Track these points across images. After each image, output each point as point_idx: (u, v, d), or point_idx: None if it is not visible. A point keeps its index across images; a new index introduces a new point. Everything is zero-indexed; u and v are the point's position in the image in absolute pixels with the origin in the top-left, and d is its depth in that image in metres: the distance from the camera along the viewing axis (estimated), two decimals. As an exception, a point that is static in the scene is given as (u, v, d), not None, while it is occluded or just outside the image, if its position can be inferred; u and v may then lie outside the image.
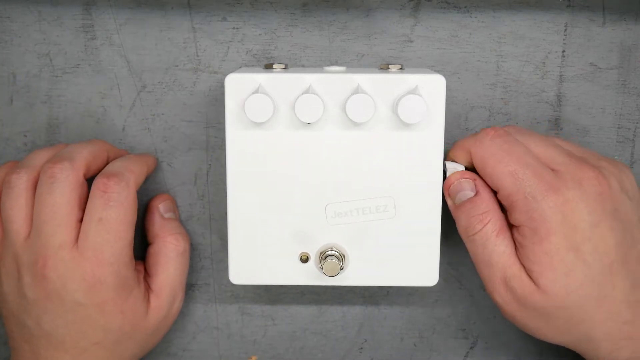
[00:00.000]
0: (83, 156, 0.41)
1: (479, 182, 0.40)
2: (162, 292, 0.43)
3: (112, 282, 0.40)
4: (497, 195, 0.39)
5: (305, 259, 0.40)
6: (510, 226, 0.40)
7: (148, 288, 0.43)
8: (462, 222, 0.40)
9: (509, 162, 0.38)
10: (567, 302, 0.38)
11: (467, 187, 0.40)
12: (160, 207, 0.45)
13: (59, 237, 0.39)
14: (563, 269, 0.37)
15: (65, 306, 0.39)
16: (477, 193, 0.40)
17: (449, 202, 0.41)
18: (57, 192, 0.39)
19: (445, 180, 0.41)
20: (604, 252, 0.38)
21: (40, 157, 0.42)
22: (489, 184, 0.39)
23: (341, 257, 0.40)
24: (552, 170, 0.39)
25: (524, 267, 0.38)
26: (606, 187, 0.38)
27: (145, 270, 0.44)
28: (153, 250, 0.44)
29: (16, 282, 0.40)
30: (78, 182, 0.40)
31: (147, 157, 0.45)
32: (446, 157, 0.42)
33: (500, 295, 0.39)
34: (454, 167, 0.41)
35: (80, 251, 0.39)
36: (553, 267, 0.37)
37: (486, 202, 0.39)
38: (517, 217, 0.38)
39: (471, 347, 0.48)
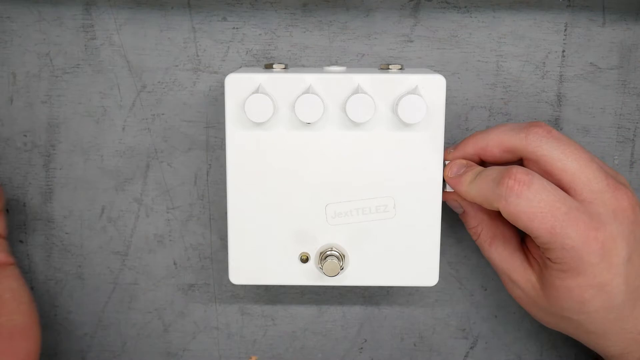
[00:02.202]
0: None
1: (462, 201, 0.41)
2: None
3: None
4: (533, 238, 0.37)
5: (305, 259, 0.40)
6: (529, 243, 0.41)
7: None
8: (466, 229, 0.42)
9: (542, 219, 0.36)
10: (579, 318, 0.38)
11: (455, 205, 0.41)
12: None
13: None
14: (580, 299, 0.37)
15: None
16: (464, 211, 0.41)
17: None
18: None
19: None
20: (632, 281, 0.37)
21: None
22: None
23: (341, 257, 0.40)
24: (584, 201, 0.37)
25: (538, 282, 0.39)
26: (638, 214, 0.37)
27: None
28: None
29: None
30: None
31: None
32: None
33: (512, 291, 0.41)
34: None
35: None
36: (571, 298, 0.37)
37: (473, 217, 0.41)
38: (550, 256, 0.37)
39: (471, 347, 0.48)
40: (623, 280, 0.37)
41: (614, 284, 0.37)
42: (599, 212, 0.37)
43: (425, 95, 0.38)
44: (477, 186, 0.38)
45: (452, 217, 0.46)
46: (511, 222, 0.37)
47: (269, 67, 0.40)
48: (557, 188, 0.37)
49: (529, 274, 0.40)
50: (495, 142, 0.39)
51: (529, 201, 0.36)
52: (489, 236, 0.41)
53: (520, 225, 0.37)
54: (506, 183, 0.36)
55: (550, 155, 0.37)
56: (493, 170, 0.38)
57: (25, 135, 0.46)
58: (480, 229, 0.41)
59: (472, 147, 0.40)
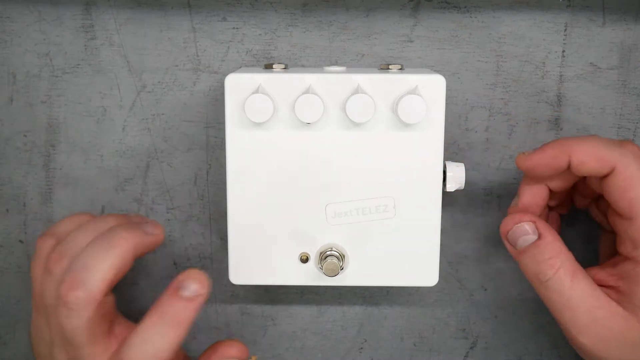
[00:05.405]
0: (100, 278, 0.37)
1: (540, 223, 0.37)
2: None
3: None
4: (626, 222, 0.36)
5: (305, 259, 0.40)
6: (612, 256, 0.38)
7: None
8: (529, 268, 0.37)
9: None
10: None
11: (529, 230, 0.38)
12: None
13: None
14: None
15: None
16: (540, 236, 0.37)
17: (508, 246, 0.39)
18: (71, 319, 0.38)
19: (502, 224, 0.38)
20: None
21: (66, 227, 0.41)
22: (621, 208, 0.36)
23: (341, 257, 0.40)
24: None
25: (620, 305, 0.36)
26: None
27: None
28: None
29: None
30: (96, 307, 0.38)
31: (133, 237, 0.39)
32: (551, 151, 0.38)
33: (590, 337, 0.37)
34: (454, 169, 0.40)
35: None
36: None
37: (552, 244, 0.37)
38: None
39: (471, 347, 0.48)
40: None
41: None
42: None
43: (425, 95, 0.38)
44: (595, 145, 0.37)
45: (452, 217, 0.46)
46: (614, 187, 0.36)
47: (269, 67, 0.40)
48: None
49: (614, 306, 0.36)
50: (589, 150, 0.37)
51: None
52: (570, 269, 0.36)
53: (630, 193, 0.36)
54: (628, 145, 0.37)
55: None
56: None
57: (25, 135, 0.46)
58: (560, 260, 0.36)
59: (559, 148, 0.37)
